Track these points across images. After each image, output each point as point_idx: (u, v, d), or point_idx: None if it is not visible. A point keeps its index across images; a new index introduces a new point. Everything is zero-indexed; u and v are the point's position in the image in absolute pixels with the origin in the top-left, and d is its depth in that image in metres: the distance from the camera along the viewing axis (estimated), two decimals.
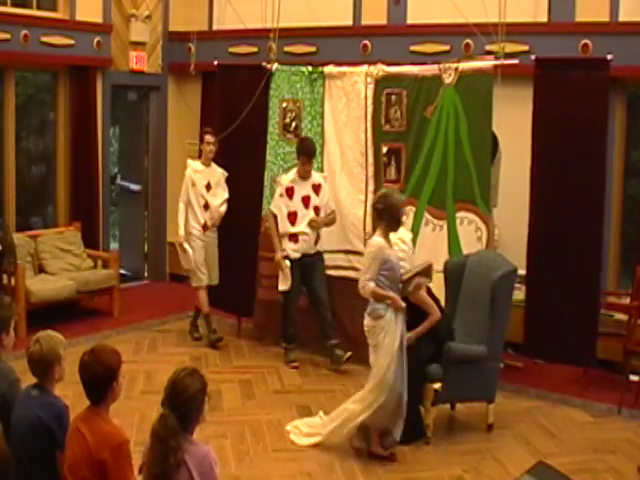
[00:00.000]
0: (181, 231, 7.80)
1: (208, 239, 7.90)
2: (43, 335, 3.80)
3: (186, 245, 7.79)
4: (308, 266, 7.30)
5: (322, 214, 7.28)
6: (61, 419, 3.68)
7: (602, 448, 5.69)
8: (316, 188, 7.28)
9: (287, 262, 7.25)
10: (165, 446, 3.21)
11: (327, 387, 6.91)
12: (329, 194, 7.37)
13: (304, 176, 7.25)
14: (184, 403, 3.28)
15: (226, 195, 7.89)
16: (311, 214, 7.23)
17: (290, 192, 7.26)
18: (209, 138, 7.80)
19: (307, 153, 7.19)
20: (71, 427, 3.55)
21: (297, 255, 7.25)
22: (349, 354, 7.10)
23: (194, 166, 7.88)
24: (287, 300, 7.38)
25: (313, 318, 7.41)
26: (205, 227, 7.82)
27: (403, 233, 6.39)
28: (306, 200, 7.25)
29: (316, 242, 7.34)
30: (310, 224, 7.22)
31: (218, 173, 7.91)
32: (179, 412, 3.27)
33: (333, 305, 7.47)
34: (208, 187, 7.82)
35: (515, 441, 5.89)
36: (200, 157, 7.98)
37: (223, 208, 7.88)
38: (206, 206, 7.81)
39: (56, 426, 3.64)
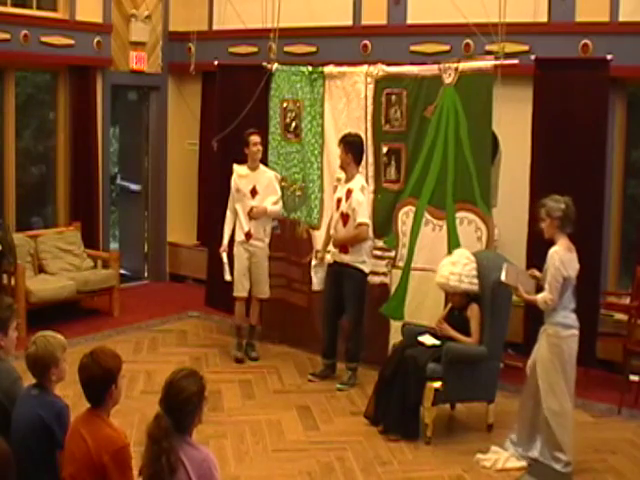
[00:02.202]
0: (224, 240, 7.42)
1: (254, 248, 7.40)
2: (40, 336, 3.79)
3: (223, 255, 7.42)
4: (337, 276, 6.90)
5: (350, 223, 6.75)
6: (61, 418, 3.67)
7: (602, 448, 5.69)
8: (348, 193, 6.78)
9: (312, 262, 7.19)
10: (158, 447, 3.21)
11: (327, 387, 6.91)
12: (362, 206, 6.74)
13: (347, 174, 6.90)
14: (178, 405, 3.28)
15: (277, 196, 7.45)
16: (338, 217, 6.88)
17: (334, 190, 7.15)
18: (255, 139, 7.31)
19: (340, 141, 6.95)
20: (71, 429, 3.54)
21: (330, 260, 7.00)
22: (344, 387, 6.86)
23: (239, 171, 7.44)
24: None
25: (314, 317, 7.39)
26: (249, 236, 7.38)
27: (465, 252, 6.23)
28: (338, 202, 6.89)
29: (342, 250, 6.84)
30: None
31: (267, 176, 7.46)
32: (173, 414, 3.27)
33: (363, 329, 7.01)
34: (254, 192, 7.35)
35: None
36: (246, 161, 7.46)
37: (276, 207, 7.44)
38: (251, 213, 7.38)
39: (56, 425, 3.64)
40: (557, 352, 5.22)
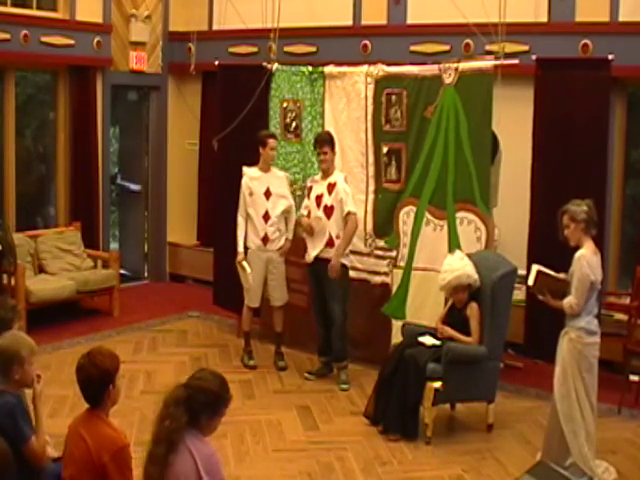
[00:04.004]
0: (240, 248, 7.13)
1: (271, 253, 7.18)
2: (10, 334, 3.85)
3: (245, 264, 7.10)
4: (321, 273, 6.85)
5: (335, 214, 6.77)
6: (13, 414, 3.65)
7: (602, 448, 5.64)
8: (330, 187, 6.82)
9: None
10: (166, 410, 3.34)
11: (327, 387, 6.90)
12: (349, 195, 6.82)
13: (326, 172, 6.92)
14: (195, 391, 3.39)
15: (287, 203, 7.20)
16: (320, 214, 6.84)
17: (309, 191, 7.05)
18: (273, 142, 7.15)
19: (320, 142, 6.91)
20: (70, 429, 3.56)
21: (310, 259, 6.97)
22: (348, 387, 6.85)
23: (250, 173, 7.20)
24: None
25: (312, 317, 7.38)
26: (266, 240, 7.16)
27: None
28: (318, 199, 6.85)
29: (328, 244, 6.82)
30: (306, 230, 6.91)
31: (279, 177, 7.27)
32: (188, 395, 3.38)
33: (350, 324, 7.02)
34: (268, 194, 7.14)
35: (515, 441, 5.90)
36: (257, 163, 7.24)
37: (291, 225, 7.24)
38: (266, 216, 7.13)
39: (10, 424, 3.62)
40: (579, 359, 5.11)
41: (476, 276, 5.97)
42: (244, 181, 7.22)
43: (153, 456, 3.32)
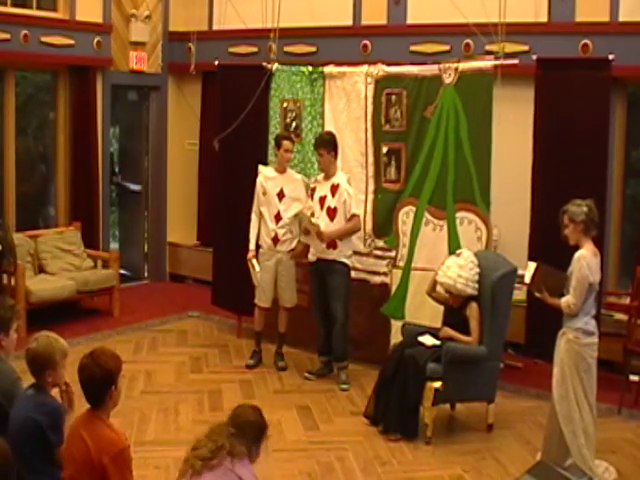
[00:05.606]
0: (251, 245, 7.14)
1: (281, 254, 7.15)
2: (43, 335, 3.82)
3: (254, 262, 7.10)
4: (323, 273, 6.91)
5: (339, 216, 6.84)
6: (55, 418, 3.69)
7: (602, 448, 5.65)
8: (334, 188, 6.85)
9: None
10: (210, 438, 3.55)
11: (327, 387, 6.91)
12: (352, 197, 6.88)
13: (326, 173, 6.94)
14: (236, 424, 3.63)
15: (301, 206, 7.04)
16: (323, 215, 6.86)
17: (312, 192, 7.04)
18: (288, 145, 7.08)
19: (316, 143, 6.94)
20: (71, 430, 3.55)
21: (313, 258, 6.99)
22: (348, 387, 6.87)
23: (266, 172, 7.22)
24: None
25: (313, 317, 7.38)
26: (276, 240, 7.15)
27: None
28: (322, 200, 6.87)
29: (330, 246, 6.83)
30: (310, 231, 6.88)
31: (295, 180, 7.20)
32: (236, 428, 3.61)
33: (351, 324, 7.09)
34: (281, 195, 7.10)
35: (515, 441, 5.90)
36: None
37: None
38: (277, 217, 7.11)
39: (49, 425, 3.66)
40: (577, 359, 5.12)
41: (469, 289, 5.92)
42: (258, 179, 7.23)
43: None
